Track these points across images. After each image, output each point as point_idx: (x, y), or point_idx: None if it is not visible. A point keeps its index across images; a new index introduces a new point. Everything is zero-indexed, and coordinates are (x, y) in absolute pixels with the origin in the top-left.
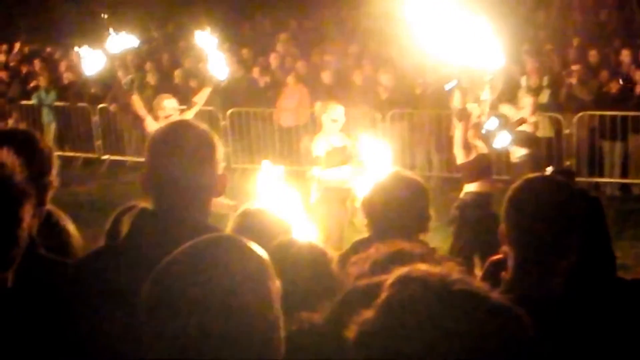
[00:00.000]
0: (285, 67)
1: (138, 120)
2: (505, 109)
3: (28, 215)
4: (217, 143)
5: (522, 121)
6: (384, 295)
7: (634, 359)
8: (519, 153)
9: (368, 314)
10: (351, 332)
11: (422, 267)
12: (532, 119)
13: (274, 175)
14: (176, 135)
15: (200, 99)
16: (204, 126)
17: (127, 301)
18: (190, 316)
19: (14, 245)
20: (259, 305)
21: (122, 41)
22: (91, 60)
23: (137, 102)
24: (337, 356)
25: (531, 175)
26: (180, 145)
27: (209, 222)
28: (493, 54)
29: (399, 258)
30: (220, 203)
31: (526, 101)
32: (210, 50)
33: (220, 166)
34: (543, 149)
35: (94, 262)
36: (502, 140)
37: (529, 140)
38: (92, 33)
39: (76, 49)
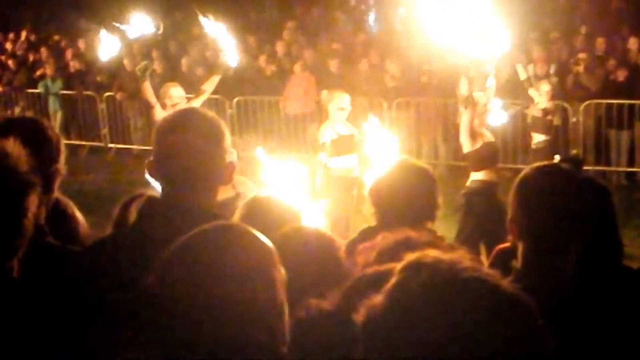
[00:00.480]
0: (292, 55)
1: (145, 108)
2: (532, 92)
3: (33, 205)
4: (225, 130)
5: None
6: (393, 280)
7: None
8: (537, 139)
9: (377, 299)
10: (360, 317)
11: (433, 253)
12: (548, 104)
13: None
14: (184, 122)
15: (209, 86)
16: (211, 114)
17: (135, 288)
18: (195, 303)
19: (19, 234)
20: (264, 292)
21: (139, 27)
22: (108, 44)
23: (148, 90)
24: (345, 343)
25: (540, 163)
26: (187, 133)
27: (215, 210)
28: (498, 40)
29: (406, 246)
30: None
31: (543, 88)
32: (219, 37)
33: (228, 154)
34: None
35: (102, 250)
36: (498, 118)
37: (547, 127)
38: (112, 16)
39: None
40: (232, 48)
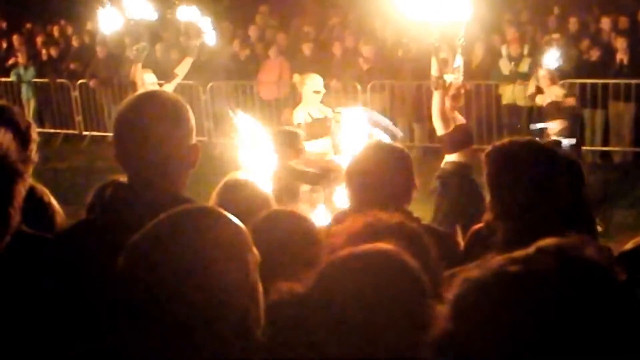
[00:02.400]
0: (266, 39)
1: (132, 90)
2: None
3: (20, 195)
4: (187, 114)
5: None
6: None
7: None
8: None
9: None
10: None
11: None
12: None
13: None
14: (138, 105)
15: (182, 70)
16: (172, 96)
17: (107, 273)
18: (167, 286)
19: (5, 223)
20: (237, 276)
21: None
22: (110, 19)
23: (139, 71)
24: (318, 327)
25: (517, 138)
26: (142, 116)
27: (184, 194)
28: (462, 11)
29: (374, 229)
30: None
31: (541, 73)
32: (193, 18)
33: (191, 137)
34: (523, 119)
35: (73, 236)
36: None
37: (559, 111)
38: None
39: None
40: (207, 29)
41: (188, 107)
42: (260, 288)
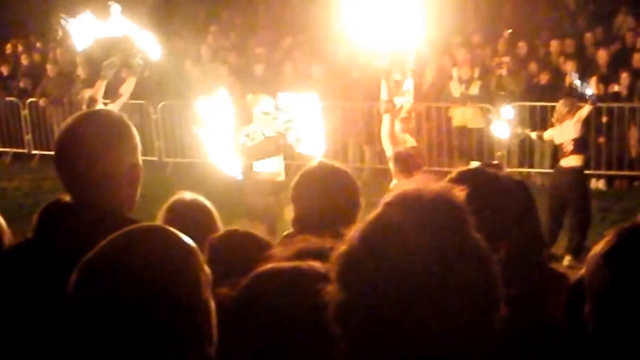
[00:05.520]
0: (218, 59)
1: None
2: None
3: None
4: (126, 131)
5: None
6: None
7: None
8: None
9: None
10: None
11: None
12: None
13: None
14: (75, 126)
15: (126, 90)
16: (112, 115)
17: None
18: (119, 306)
19: None
20: (188, 293)
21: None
22: (82, 35)
23: (102, 88)
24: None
25: (463, 168)
26: (77, 136)
27: (127, 213)
28: (413, 35)
29: (304, 252)
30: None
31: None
32: (132, 37)
33: (132, 156)
34: (473, 141)
35: (12, 257)
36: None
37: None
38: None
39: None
40: (148, 44)
41: (131, 125)
42: (213, 305)
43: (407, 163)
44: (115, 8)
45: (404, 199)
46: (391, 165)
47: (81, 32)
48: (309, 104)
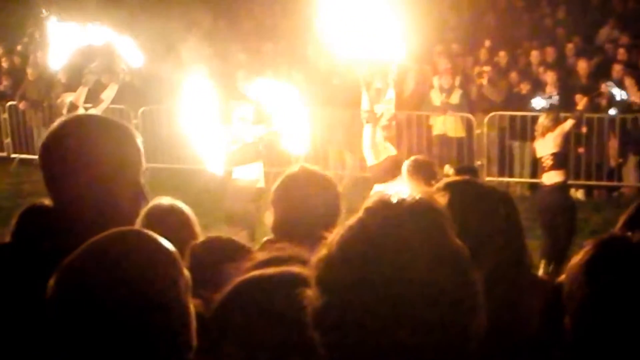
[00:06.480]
0: (200, 64)
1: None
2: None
3: None
4: (113, 136)
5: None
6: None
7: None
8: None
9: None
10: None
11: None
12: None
13: None
14: (61, 129)
15: (107, 96)
16: (99, 120)
17: (23, 298)
18: (97, 310)
19: None
20: (168, 297)
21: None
22: (58, 52)
23: (83, 94)
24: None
25: (449, 179)
26: (62, 139)
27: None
28: (395, 46)
29: (280, 259)
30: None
31: None
32: (113, 44)
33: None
34: (453, 149)
35: None
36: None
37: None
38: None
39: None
40: (131, 48)
41: (120, 129)
42: (192, 310)
43: (429, 169)
44: (96, 15)
45: (384, 204)
46: (371, 173)
47: (61, 38)
48: (292, 97)
